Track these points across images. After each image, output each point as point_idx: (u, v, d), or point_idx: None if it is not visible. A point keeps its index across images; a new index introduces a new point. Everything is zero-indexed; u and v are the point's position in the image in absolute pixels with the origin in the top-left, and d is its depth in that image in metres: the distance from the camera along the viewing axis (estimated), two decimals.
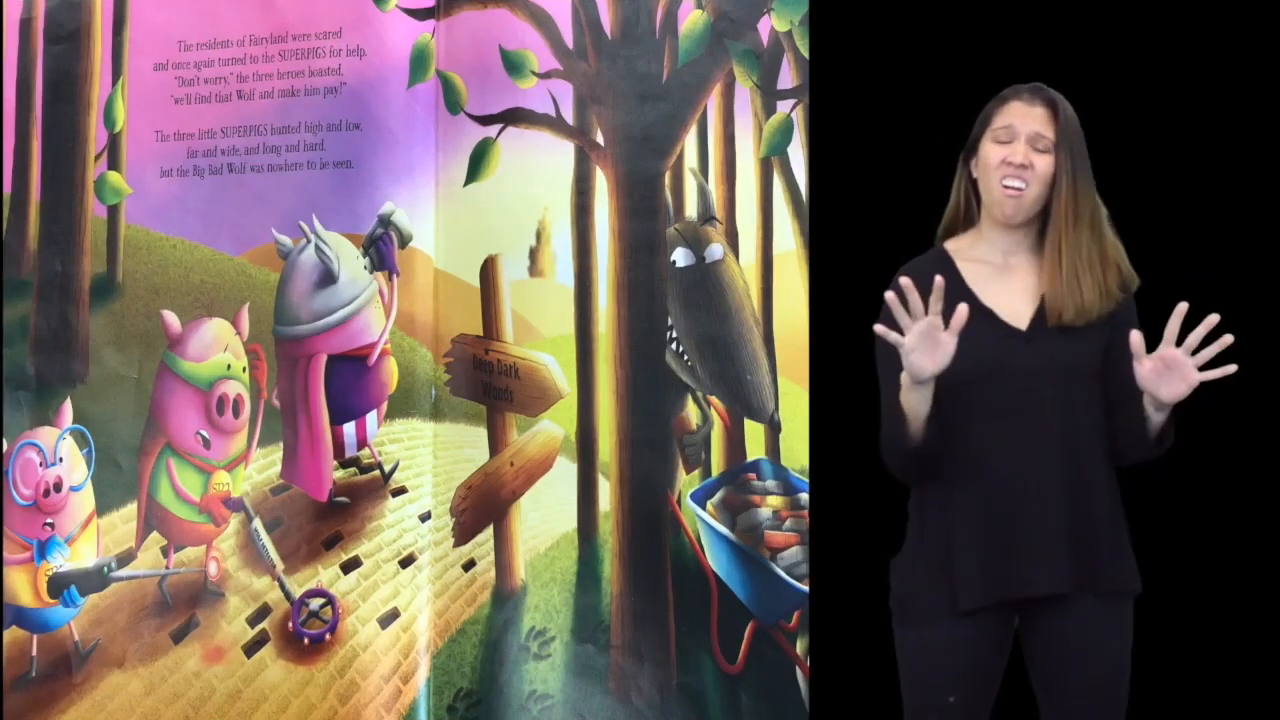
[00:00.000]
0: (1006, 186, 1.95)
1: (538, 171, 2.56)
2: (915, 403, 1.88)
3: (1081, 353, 1.96)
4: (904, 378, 1.88)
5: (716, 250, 2.51)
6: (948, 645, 1.97)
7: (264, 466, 2.66)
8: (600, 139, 2.53)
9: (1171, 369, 1.84)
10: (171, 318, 2.68)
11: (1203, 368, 1.84)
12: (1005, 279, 2.00)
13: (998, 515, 1.94)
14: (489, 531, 2.58)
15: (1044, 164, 1.94)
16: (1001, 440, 1.94)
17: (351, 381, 2.60)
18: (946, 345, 1.83)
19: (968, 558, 1.95)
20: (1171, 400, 1.86)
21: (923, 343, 1.83)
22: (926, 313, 1.83)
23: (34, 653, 2.69)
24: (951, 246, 2.05)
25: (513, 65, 2.57)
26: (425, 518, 2.58)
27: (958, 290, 1.96)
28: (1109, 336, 1.97)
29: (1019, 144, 1.95)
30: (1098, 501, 1.96)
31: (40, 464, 2.70)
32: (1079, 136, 1.96)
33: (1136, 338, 1.84)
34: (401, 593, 2.56)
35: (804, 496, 2.46)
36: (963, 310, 1.83)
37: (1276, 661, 2.54)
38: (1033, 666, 2.02)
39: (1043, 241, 2.00)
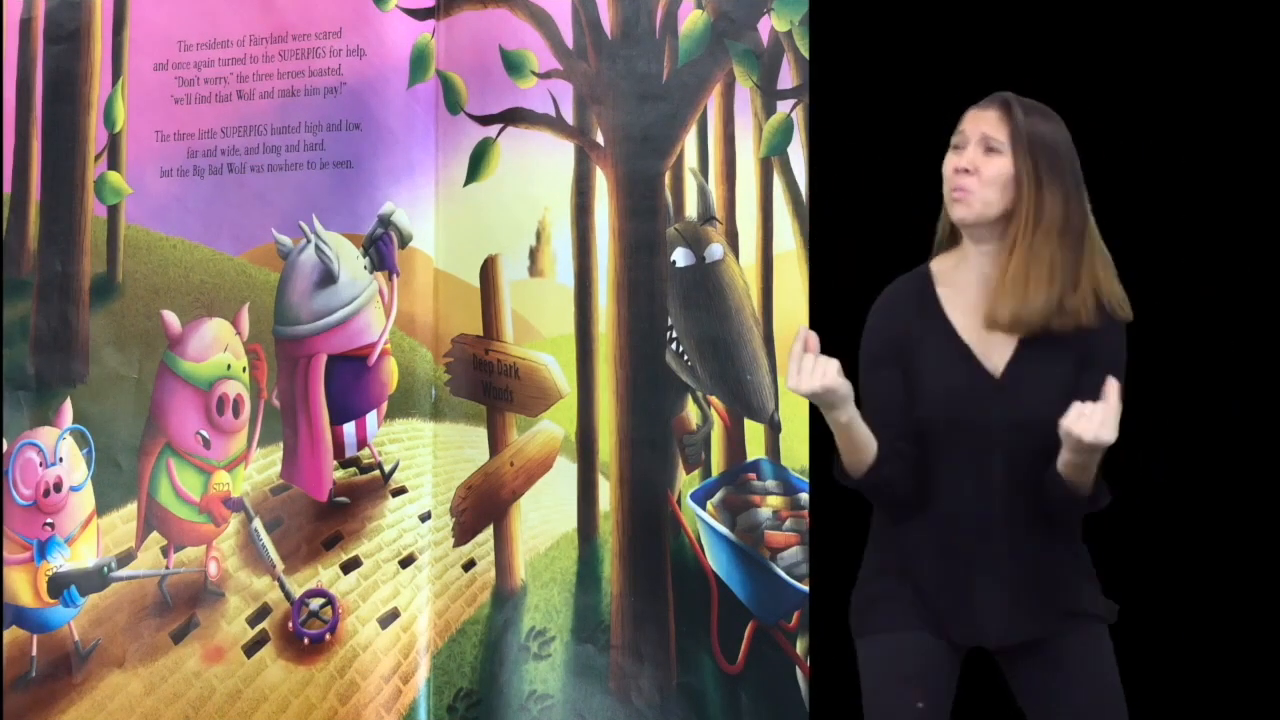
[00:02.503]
0: (954, 188, 1.90)
1: (538, 171, 2.56)
2: (839, 427, 1.85)
3: (1054, 404, 1.85)
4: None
5: (716, 250, 2.51)
6: (909, 651, 1.96)
7: (264, 466, 2.66)
8: (600, 139, 2.53)
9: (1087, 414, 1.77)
10: (171, 318, 2.68)
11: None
12: (982, 302, 1.93)
13: (955, 559, 1.93)
14: (489, 531, 2.58)
15: (994, 166, 1.88)
16: (964, 484, 1.91)
17: (351, 381, 2.60)
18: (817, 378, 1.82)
19: (928, 594, 1.95)
20: (1084, 438, 1.76)
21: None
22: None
23: (34, 653, 2.69)
24: (935, 267, 2.00)
25: (513, 65, 2.57)
26: (425, 518, 2.58)
27: (938, 323, 1.93)
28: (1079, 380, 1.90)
29: (969, 149, 1.90)
30: (1058, 547, 1.93)
31: (40, 464, 2.70)
32: (1047, 142, 1.89)
33: (1112, 385, 1.76)
34: (401, 593, 2.56)
35: (804, 496, 2.46)
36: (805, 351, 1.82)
37: (1267, 676, 2.54)
38: (1020, 699, 2.01)
39: None
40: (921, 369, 1.92)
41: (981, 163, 1.89)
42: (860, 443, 1.86)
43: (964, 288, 1.95)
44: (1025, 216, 1.87)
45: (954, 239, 2.02)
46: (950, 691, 1.99)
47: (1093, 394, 1.77)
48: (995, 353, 1.92)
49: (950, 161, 1.93)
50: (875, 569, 2.01)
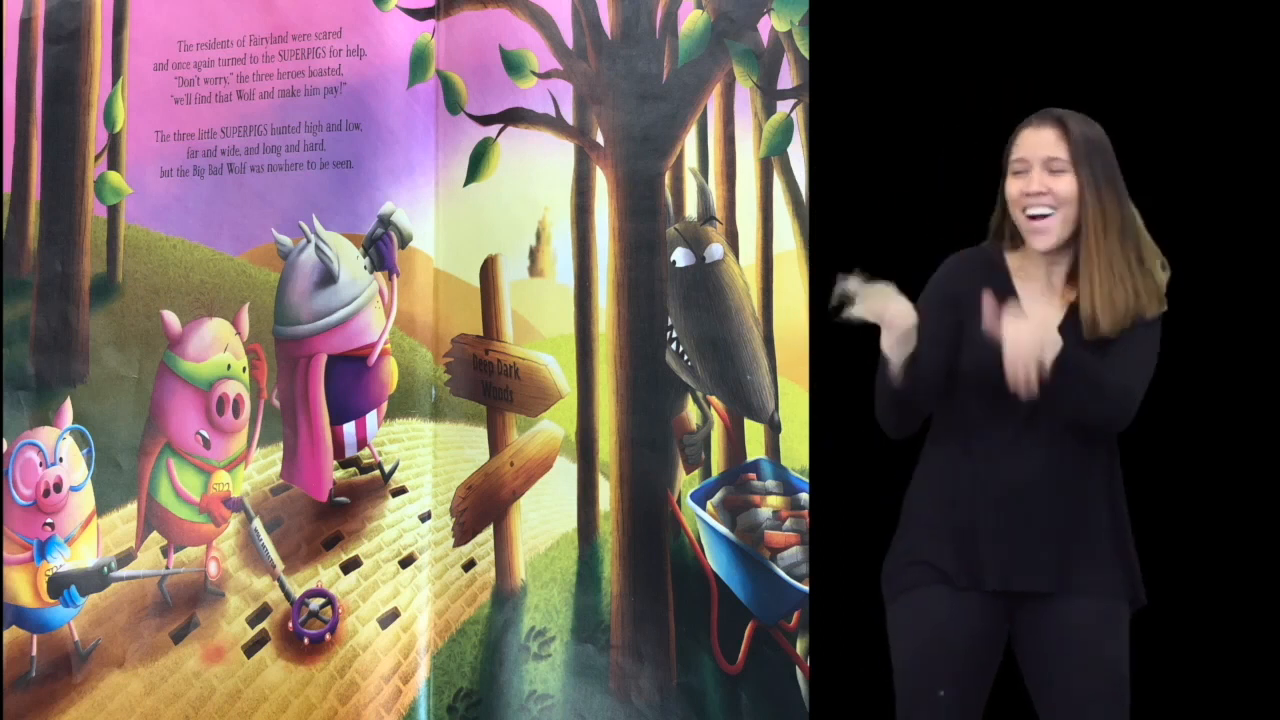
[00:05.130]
0: (1031, 217, 1.97)
1: (538, 171, 2.56)
2: (890, 347, 1.94)
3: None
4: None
5: (716, 250, 2.51)
6: (943, 616, 2.00)
7: (264, 466, 2.66)
8: (600, 139, 2.53)
9: None
10: (171, 318, 2.68)
11: None
12: (1049, 296, 2.02)
13: (996, 503, 1.97)
14: (489, 531, 2.58)
15: (1064, 185, 1.95)
16: (1011, 440, 1.97)
17: (351, 381, 2.60)
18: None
19: (976, 537, 1.98)
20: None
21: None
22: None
23: (34, 653, 2.69)
24: (1010, 260, 2.06)
25: (513, 65, 2.57)
26: (425, 518, 2.58)
27: (1008, 291, 1.99)
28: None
29: (1034, 172, 1.96)
30: (1095, 509, 1.98)
31: (40, 464, 2.70)
32: (1098, 149, 1.97)
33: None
34: (401, 593, 2.56)
35: (804, 496, 2.46)
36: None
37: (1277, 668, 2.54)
38: (1024, 669, 2.03)
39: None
40: (979, 331, 1.95)
41: (1051, 183, 1.96)
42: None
43: (1029, 278, 2.03)
44: (1094, 227, 1.95)
45: (1003, 237, 2.05)
46: (990, 646, 2.01)
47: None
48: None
49: (1015, 186, 1.99)
50: (906, 530, 2.07)
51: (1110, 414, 1.94)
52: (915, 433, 2.04)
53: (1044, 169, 1.96)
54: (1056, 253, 2.00)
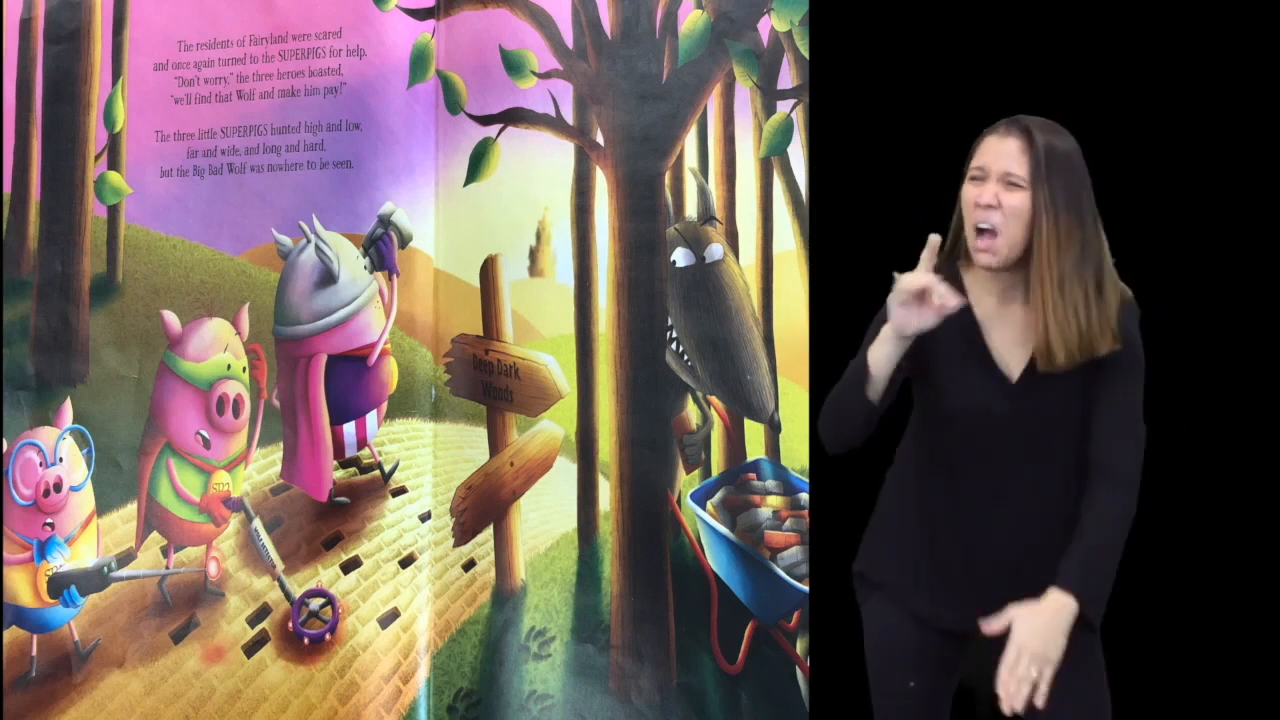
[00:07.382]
0: (979, 229, 1.89)
1: (538, 171, 2.56)
2: (884, 357, 1.88)
3: (1067, 405, 1.92)
4: (886, 330, 1.88)
5: (716, 250, 2.51)
6: (903, 619, 2.02)
7: (264, 466, 2.66)
8: (600, 139, 2.53)
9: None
10: (171, 318, 2.68)
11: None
12: (1004, 321, 1.96)
13: (960, 547, 1.98)
14: (489, 531, 2.58)
15: (1016, 201, 1.86)
16: (978, 478, 1.96)
17: (351, 381, 2.60)
18: (928, 316, 1.84)
19: (930, 579, 2.00)
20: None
21: (914, 300, 1.84)
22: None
23: (34, 653, 2.69)
24: (966, 278, 2.02)
25: (513, 65, 2.57)
26: (425, 518, 2.58)
27: (968, 323, 1.95)
28: (1092, 382, 1.93)
29: (989, 183, 1.88)
30: (1063, 542, 1.96)
31: (40, 464, 2.70)
32: (1064, 165, 1.87)
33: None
34: (401, 593, 2.56)
35: (804, 496, 2.46)
36: (951, 300, 1.83)
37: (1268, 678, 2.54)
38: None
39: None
40: (940, 365, 1.94)
41: (1005, 198, 1.87)
42: (894, 360, 1.89)
43: (981, 297, 1.98)
44: (1046, 247, 1.86)
45: (959, 255, 2.02)
46: (951, 651, 2.03)
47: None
48: (1012, 360, 1.95)
49: (971, 193, 1.91)
50: (877, 536, 2.09)
51: (1134, 487, 1.91)
52: (855, 447, 1.99)
53: (1000, 181, 1.87)
54: (1011, 272, 1.92)
